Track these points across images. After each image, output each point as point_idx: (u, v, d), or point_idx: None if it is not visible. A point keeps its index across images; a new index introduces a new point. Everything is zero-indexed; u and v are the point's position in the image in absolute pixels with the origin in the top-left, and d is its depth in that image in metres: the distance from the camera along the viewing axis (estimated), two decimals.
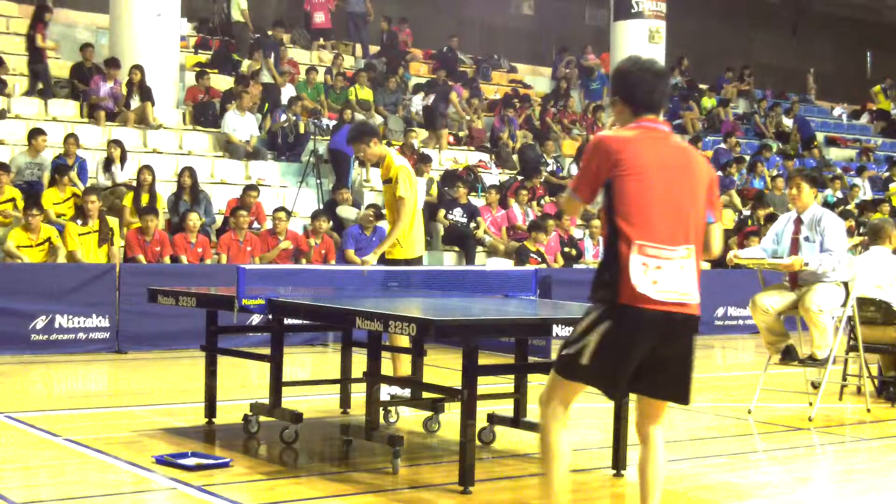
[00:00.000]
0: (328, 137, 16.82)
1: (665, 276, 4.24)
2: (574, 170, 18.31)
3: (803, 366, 8.49)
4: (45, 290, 10.92)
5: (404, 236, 8.12)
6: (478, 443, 6.06)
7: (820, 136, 25.15)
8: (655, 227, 4.24)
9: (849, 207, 19.54)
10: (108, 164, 13.69)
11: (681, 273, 4.28)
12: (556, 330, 5.74)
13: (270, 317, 7.02)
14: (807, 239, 8.19)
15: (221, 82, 18.04)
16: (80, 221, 12.00)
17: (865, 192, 21.76)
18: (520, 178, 17.06)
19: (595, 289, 4.34)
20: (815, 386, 8.71)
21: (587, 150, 4.43)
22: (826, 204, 18.48)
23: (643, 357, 4.38)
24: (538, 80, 24.23)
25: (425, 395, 7.07)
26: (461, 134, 18.92)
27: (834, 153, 24.82)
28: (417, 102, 19.24)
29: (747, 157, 21.16)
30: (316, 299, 6.63)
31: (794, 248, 8.22)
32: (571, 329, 4.53)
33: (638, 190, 4.25)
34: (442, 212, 15.09)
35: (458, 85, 19.64)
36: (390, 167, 8.05)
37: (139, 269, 11.70)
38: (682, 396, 4.51)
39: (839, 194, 20.31)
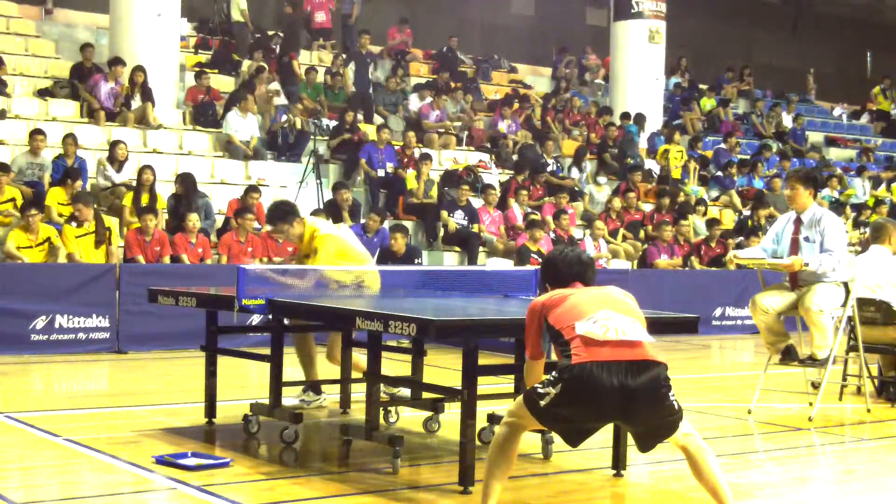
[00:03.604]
0: (328, 138, 16.83)
1: (608, 325, 4.64)
2: (573, 172, 18.35)
3: (803, 366, 8.49)
4: (45, 290, 10.92)
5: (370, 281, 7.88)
6: (478, 443, 6.05)
7: (820, 136, 25.16)
8: (586, 310, 4.71)
9: (843, 200, 19.62)
10: (110, 165, 13.70)
11: (623, 324, 4.66)
12: None
13: (270, 317, 7.02)
14: (807, 239, 8.18)
15: (221, 82, 18.05)
16: (75, 224, 12.00)
17: (865, 192, 21.76)
18: (513, 172, 17.07)
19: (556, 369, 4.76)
20: (815, 386, 8.71)
21: (526, 317, 4.95)
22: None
23: (611, 421, 4.96)
24: (538, 80, 24.22)
25: (425, 395, 7.06)
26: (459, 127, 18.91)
27: (834, 153, 24.82)
28: (415, 101, 19.22)
29: (748, 157, 21.19)
30: (316, 299, 6.63)
31: (794, 248, 8.22)
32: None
33: (564, 306, 4.77)
34: (444, 212, 15.08)
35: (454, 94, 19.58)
36: (313, 239, 7.63)
37: (139, 269, 11.70)
38: (671, 433, 4.78)
39: (835, 194, 20.32)
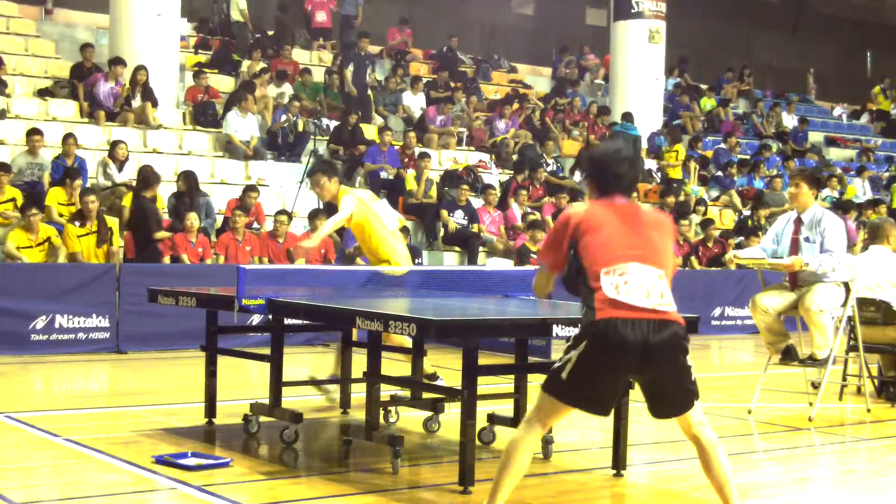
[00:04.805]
0: (328, 137, 16.83)
1: (632, 285, 4.53)
2: (576, 176, 18.33)
3: (803, 366, 8.49)
4: (45, 290, 10.92)
5: (390, 256, 7.97)
6: (478, 443, 6.06)
7: (820, 136, 25.17)
8: (616, 255, 4.58)
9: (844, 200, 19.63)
10: (110, 165, 13.70)
11: (648, 282, 4.56)
12: (556, 330, 5.74)
13: (270, 317, 7.02)
14: (807, 239, 8.18)
15: (221, 82, 18.05)
16: (78, 223, 11.99)
17: (865, 192, 21.75)
18: (513, 172, 17.09)
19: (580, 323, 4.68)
20: (815, 386, 8.70)
21: (556, 224, 4.80)
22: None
23: (630, 376, 4.78)
24: (538, 80, 24.23)
25: (425, 395, 7.07)
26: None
27: (834, 153, 24.83)
28: (409, 97, 19.20)
29: (748, 157, 21.20)
30: (316, 299, 6.63)
31: (794, 248, 8.22)
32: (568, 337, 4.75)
33: (596, 238, 4.62)
34: (444, 212, 15.09)
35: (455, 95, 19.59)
36: (337, 199, 7.96)
37: (139, 269, 11.69)
38: (685, 405, 4.70)
39: (835, 194, 20.32)
